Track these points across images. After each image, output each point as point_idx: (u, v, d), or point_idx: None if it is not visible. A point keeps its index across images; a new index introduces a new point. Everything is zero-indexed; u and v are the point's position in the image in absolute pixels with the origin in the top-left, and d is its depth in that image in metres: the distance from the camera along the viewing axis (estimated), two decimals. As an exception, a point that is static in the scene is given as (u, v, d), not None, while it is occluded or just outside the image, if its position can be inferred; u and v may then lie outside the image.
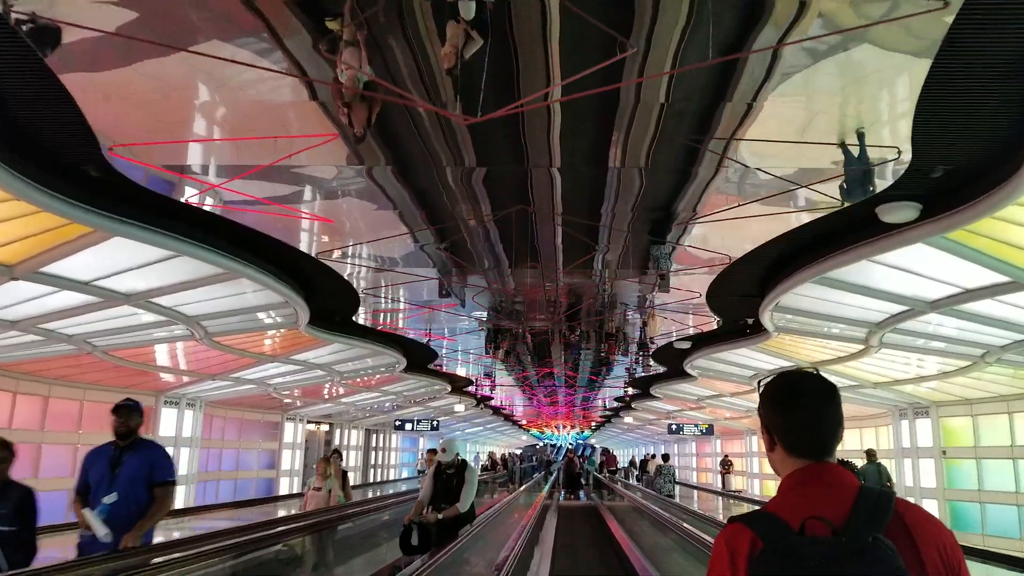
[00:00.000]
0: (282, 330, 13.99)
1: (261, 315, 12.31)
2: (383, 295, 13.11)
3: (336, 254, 9.94)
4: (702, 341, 15.49)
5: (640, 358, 19.99)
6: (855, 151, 5.76)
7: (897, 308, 9.80)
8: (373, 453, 37.06)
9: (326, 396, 23.93)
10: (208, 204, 7.57)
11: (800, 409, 1.86)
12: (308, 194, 7.63)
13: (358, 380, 21.56)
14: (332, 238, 9.49)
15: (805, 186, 6.35)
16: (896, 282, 8.79)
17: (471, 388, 27.92)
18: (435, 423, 32.87)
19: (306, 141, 6.23)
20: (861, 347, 12.22)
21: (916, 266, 8.07)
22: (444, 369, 23.02)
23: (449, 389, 25.71)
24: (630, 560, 13.46)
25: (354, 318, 14.22)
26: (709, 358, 16.16)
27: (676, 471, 26.01)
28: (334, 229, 9.18)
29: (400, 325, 16.18)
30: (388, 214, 8.06)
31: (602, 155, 6.00)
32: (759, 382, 1.97)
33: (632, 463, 42.41)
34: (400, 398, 25.93)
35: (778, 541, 1.68)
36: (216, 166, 6.95)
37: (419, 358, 19.69)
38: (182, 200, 7.43)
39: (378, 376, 21.49)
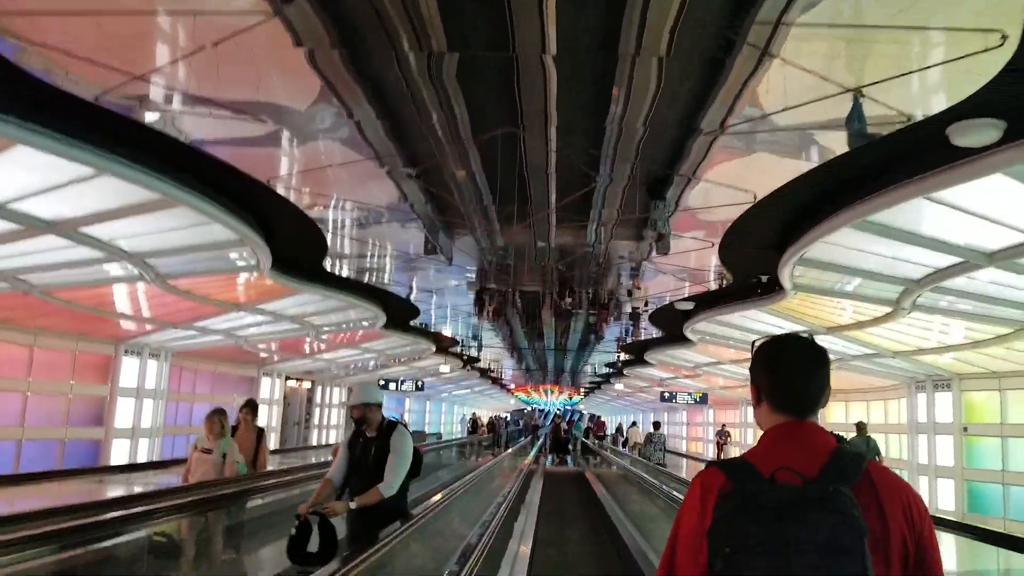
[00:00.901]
0: (246, 277, 12.65)
1: (216, 256, 10.95)
2: (356, 240, 11.86)
3: (293, 183, 8.60)
4: (706, 302, 14.21)
5: (631, 327, 19.01)
6: (941, 42, 4.43)
7: (947, 260, 8.43)
8: (357, 412, 36.02)
9: (304, 352, 22.69)
10: (122, 106, 6.20)
11: (788, 369, 1.94)
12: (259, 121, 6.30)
13: (336, 336, 20.31)
14: (286, 163, 8.14)
15: (859, 90, 5.01)
16: (952, 227, 7.45)
17: (457, 349, 26.71)
18: (420, 383, 31.73)
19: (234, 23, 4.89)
20: (889, 309, 10.95)
21: (982, 206, 6.72)
22: (428, 327, 21.82)
23: (434, 349, 24.47)
24: (618, 530, 12.49)
25: (325, 266, 12.93)
26: (712, 321, 14.89)
27: (667, 439, 24.90)
28: (290, 154, 7.85)
29: (378, 277, 14.90)
30: (352, 142, 6.76)
31: (612, 36, 4.63)
32: (753, 342, 2.01)
33: (619, 430, 41.46)
34: (382, 356, 24.71)
35: (744, 483, 1.75)
36: (125, 54, 5.59)
37: (400, 314, 18.45)
38: (92, 100, 6.07)
39: (359, 333, 20.25)
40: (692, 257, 11.54)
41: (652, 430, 24.74)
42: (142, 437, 16.96)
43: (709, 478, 1.86)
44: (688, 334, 16.83)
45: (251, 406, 9.68)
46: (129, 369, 16.53)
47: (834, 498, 1.64)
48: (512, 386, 51.60)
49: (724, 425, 29.21)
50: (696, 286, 13.48)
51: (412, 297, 17.04)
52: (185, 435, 20.38)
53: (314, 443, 29.39)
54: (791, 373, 1.94)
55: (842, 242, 8.45)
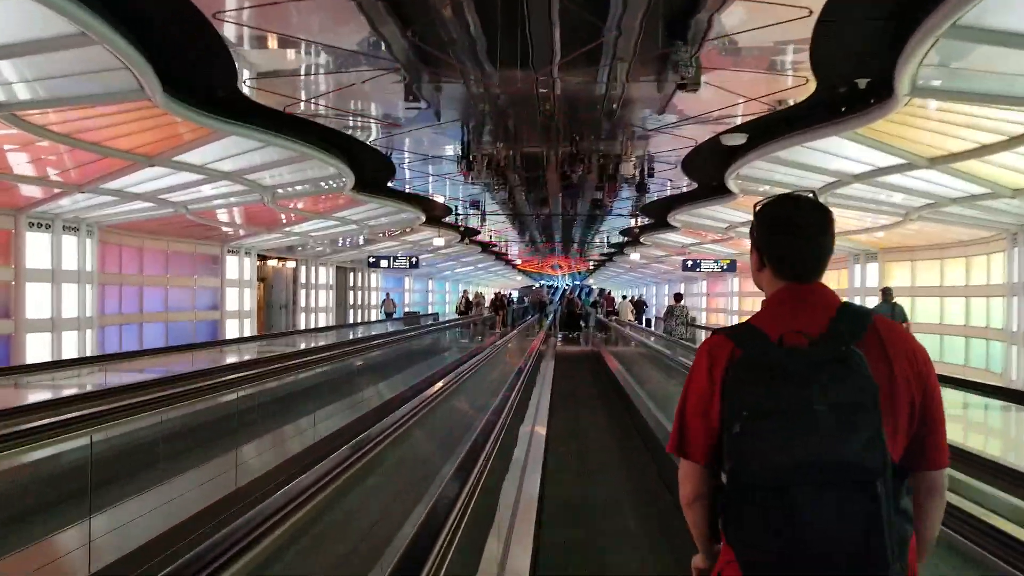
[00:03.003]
0: (136, 112, 9.27)
1: (66, 66, 7.57)
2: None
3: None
4: (766, 130, 10.75)
5: (636, 197, 16.57)
6: None
7: None
8: (351, 293, 33.15)
9: (272, 224, 19.43)
10: None
11: (792, 234, 1.89)
12: None
13: (302, 203, 17.04)
14: None
15: None
16: None
17: (451, 219, 23.42)
18: (414, 260, 28.61)
19: None
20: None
21: None
22: (416, 194, 18.52)
23: (424, 219, 21.16)
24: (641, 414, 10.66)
25: (257, 99, 9.58)
26: (768, 159, 11.50)
27: (688, 311, 21.65)
28: None
29: (340, 123, 11.51)
30: None
31: None
32: (755, 204, 1.96)
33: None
34: (365, 228, 21.42)
35: (755, 349, 1.76)
36: None
37: (375, 176, 15.12)
38: None
39: (335, 200, 16.92)
40: (757, 58, 8.13)
41: (673, 303, 21.66)
42: (66, 330, 13.95)
43: (716, 345, 1.87)
44: (730, 183, 13.48)
45: None
46: (37, 246, 13.34)
47: (845, 359, 1.66)
48: (518, 262, 48.64)
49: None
50: (763, 100, 9.98)
51: (388, 152, 13.74)
52: (135, 324, 17.48)
53: (302, 327, 26.70)
54: (797, 239, 1.88)
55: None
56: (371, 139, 12.70)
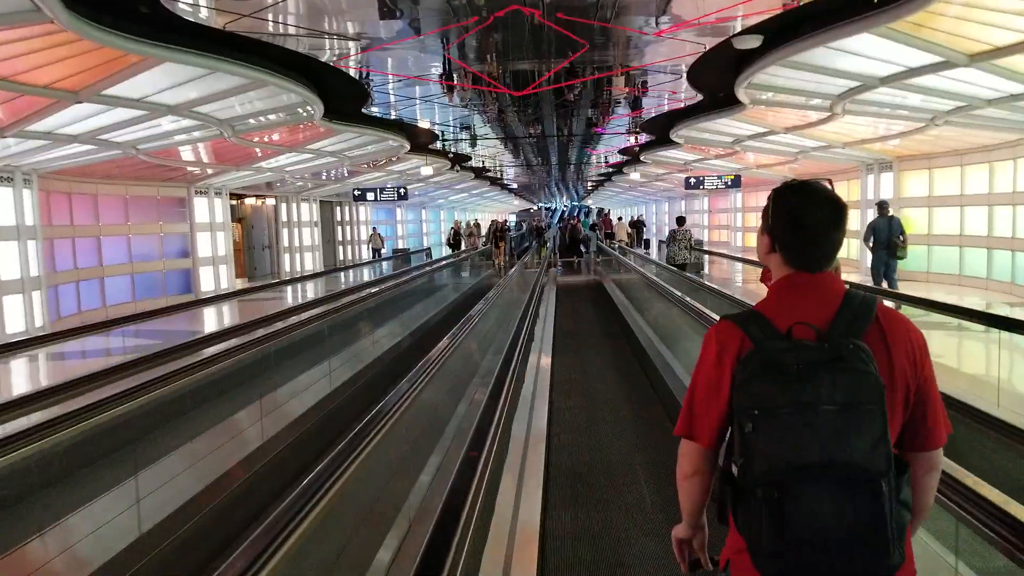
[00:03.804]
0: (42, 39, 7.85)
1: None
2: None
3: None
4: (783, 31, 9.30)
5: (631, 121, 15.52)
6: None
7: None
8: (339, 229, 31.73)
9: (241, 160, 17.97)
10: None
11: (805, 228, 1.88)
12: None
13: (269, 135, 15.58)
14: None
15: None
16: None
17: (438, 146, 21.92)
18: (402, 191, 27.15)
19: None
20: None
21: None
22: (399, 121, 17.06)
23: (408, 148, 19.67)
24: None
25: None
26: (785, 64, 10.03)
27: (692, 235, 20.06)
28: None
29: (293, 37, 10.03)
30: None
31: None
32: (774, 189, 1.95)
33: (632, 223, 37.17)
34: (346, 160, 19.94)
35: (765, 344, 1.76)
36: None
37: (347, 100, 13.68)
38: None
39: (296, 129, 15.46)
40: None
41: (675, 226, 20.13)
42: (8, 294, 12.67)
43: (725, 332, 1.87)
44: (740, 93, 12.03)
45: None
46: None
47: (852, 356, 1.66)
48: (514, 186, 47.02)
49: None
50: (765, 5, 8.56)
51: (362, 76, 12.33)
52: (95, 279, 16.23)
53: (287, 270, 25.49)
54: (812, 234, 1.88)
55: None
56: (341, 61, 11.26)
